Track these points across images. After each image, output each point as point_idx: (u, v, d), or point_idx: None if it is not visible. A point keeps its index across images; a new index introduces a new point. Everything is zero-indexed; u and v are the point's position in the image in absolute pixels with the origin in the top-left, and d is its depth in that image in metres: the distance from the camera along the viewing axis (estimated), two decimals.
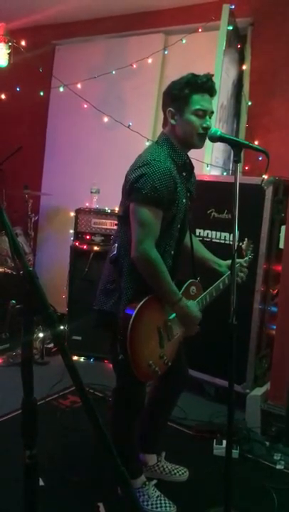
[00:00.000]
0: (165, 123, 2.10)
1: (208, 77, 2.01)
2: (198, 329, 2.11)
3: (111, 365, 2.20)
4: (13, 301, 3.81)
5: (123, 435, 2.17)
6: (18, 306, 3.79)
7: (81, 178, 4.58)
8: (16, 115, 5.10)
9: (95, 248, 3.94)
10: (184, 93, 1.98)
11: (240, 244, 2.36)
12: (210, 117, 2.03)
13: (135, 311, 1.91)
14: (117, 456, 1.06)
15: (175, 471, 2.46)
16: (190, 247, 2.25)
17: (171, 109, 2.03)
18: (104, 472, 2.38)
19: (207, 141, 2.05)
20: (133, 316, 1.90)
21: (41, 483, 2.13)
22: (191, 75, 2.00)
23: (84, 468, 2.48)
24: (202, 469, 2.54)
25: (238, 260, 2.28)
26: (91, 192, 4.17)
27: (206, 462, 2.62)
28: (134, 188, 1.93)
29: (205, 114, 2.00)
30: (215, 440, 2.74)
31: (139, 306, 1.92)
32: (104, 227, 4.01)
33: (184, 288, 2.12)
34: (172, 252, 2.08)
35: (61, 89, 4.39)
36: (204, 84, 1.99)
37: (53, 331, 1.00)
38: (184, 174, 2.08)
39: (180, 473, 2.46)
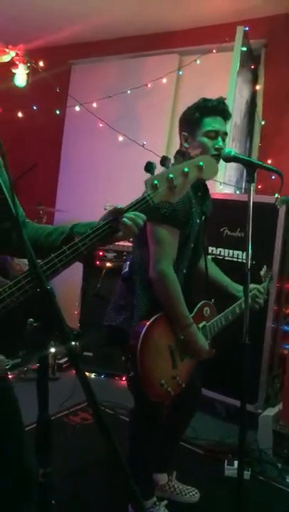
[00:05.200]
0: (180, 147, 2.12)
1: (220, 100, 2.05)
2: (212, 353, 2.09)
3: (124, 383, 2.19)
4: (31, 320, 3.82)
5: (139, 456, 2.15)
6: (35, 325, 3.80)
7: (95, 195, 4.61)
8: (32, 133, 5.19)
9: (108, 264, 3.96)
10: (196, 116, 2.02)
11: (260, 271, 2.37)
12: (223, 139, 2.05)
13: (145, 329, 1.91)
14: (130, 475, 1.05)
15: (186, 491, 2.43)
16: (204, 269, 2.25)
17: (184, 133, 2.08)
18: (115, 491, 2.36)
19: (220, 160, 2.07)
20: (142, 333, 1.90)
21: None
22: (202, 99, 2.05)
23: (95, 487, 2.47)
24: (213, 490, 2.50)
25: (256, 286, 2.28)
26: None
27: (217, 483, 2.59)
28: (153, 207, 1.95)
29: (217, 135, 2.02)
30: (226, 460, 2.71)
31: (148, 323, 1.92)
32: (116, 243, 4.02)
33: (197, 308, 2.12)
34: (184, 271, 2.08)
35: (77, 108, 4.47)
36: (215, 107, 2.03)
37: (69, 349, 1.01)
38: (199, 194, 2.10)
39: (191, 494, 2.43)
